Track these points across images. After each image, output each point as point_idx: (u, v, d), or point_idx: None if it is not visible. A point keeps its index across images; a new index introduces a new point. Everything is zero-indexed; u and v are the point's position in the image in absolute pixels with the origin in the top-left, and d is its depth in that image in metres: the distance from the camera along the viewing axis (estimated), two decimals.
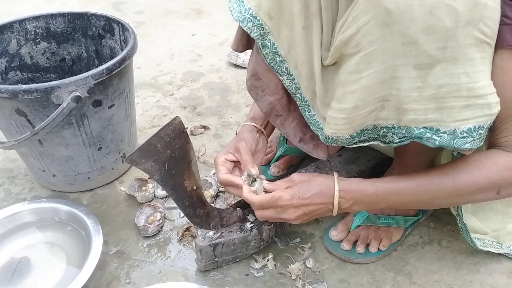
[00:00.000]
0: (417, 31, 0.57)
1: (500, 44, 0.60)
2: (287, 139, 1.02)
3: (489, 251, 0.84)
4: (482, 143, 0.63)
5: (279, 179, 0.98)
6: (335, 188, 0.72)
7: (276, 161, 1.07)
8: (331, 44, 0.69)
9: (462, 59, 0.58)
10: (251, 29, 0.72)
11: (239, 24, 0.74)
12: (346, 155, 1.01)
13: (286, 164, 1.06)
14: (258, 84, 0.80)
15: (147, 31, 1.80)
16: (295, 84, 0.76)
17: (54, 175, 1.00)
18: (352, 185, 0.73)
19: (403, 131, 0.65)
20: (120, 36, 1.06)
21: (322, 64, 0.71)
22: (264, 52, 0.74)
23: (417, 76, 0.59)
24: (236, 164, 0.84)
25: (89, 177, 1.01)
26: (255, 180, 0.79)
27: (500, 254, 0.86)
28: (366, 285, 0.82)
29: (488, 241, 0.85)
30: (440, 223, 0.94)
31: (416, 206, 0.74)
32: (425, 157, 0.83)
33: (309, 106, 0.76)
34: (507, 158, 0.65)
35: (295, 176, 0.76)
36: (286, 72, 0.75)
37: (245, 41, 0.80)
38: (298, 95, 0.76)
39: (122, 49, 0.98)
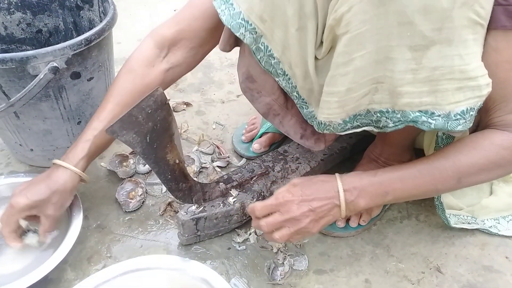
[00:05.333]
0: (413, 11, 0.55)
1: (494, 25, 0.59)
2: None
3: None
4: (471, 124, 0.63)
5: (261, 155, 0.99)
6: (337, 180, 0.70)
7: (259, 138, 1.07)
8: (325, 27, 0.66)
9: (456, 41, 0.57)
10: (244, 35, 0.69)
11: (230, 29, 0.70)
12: None
13: (269, 141, 1.06)
14: (253, 86, 0.78)
15: (128, 6, 1.75)
16: (291, 84, 0.73)
17: (31, 150, 0.97)
18: (354, 176, 0.70)
19: (398, 115, 0.64)
20: (99, 7, 1.02)
21: (318, 58, 0.68)
22: (258, 57, 0.72)
23: (412, 58, 0.58)
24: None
25: None
26: (29, 231, 0.78)
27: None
28: (346, 257, 0.84)
29: (463, 216, 0.88)
30: (418, 199, 0.96)
31: (421, 194, 0.70)
32: (407, 135, 0.84)
33: (306, 103, 0.75)
34: (503, 137, 0.65)
35: (296, 179, 0.73)
36: (282, 73, 0.72)
37: (233, 41, 0.76)
38: (295, 93, 0.74)
39: (101, 21, 0.95)
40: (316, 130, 0.74)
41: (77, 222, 0.82)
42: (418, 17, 0.56)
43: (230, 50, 0.77)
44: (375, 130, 0.69)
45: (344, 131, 0.70)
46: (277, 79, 0.74)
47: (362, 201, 0.69)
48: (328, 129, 0.71)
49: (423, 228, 0.90)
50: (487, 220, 0.88)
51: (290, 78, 0.73)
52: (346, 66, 0.62)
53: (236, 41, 0.75)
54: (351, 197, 0.69)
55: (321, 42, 0.68)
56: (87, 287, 0.73)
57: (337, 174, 0.71)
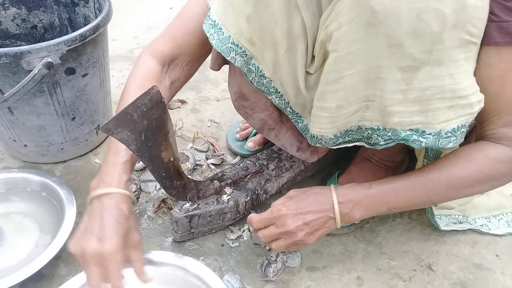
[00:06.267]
0: (403, 34, 0.55)
1: (486, 42, 0.58)
2: None
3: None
4: (463, 140, 0.63)
5: (256, 153, 1.00)
6: (332, 193, 0.71)
7: (253, 136, 1.07)
8: (316, 40, 0.66)
9: (447, 61, 0.57)
10: (235, 58, 0.69)
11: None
12: None
13: (263, 140, 1.07)
14: (246, 104, 0.78)
15: (123, 3, 1.74)
16: (284, 100, 0.74)
17: (25, 145, 0.97)
18: (348, 188, 0.72)
19: (389, 133, 0.64)
20: (94, 4, 1.02)
21: (310, 73, 0.68)
22: (250, 78, 0.72)
23: (402, 79, 0.58)
24: None
25: (62, 148, 0.99)
26: None
27: None
28: (338, 255, 0.85)
29: (454, 215, 0.89)
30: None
31: (415, 205, 0.72)
32: None
33: (301, 117, 0.75)
34: (497, 150, 0.65)
35: (292, 192, 0.75)
36: (274, 91, 0.73)
37: (221, 60, 0.75)
38: (288, 109, 0.75)
39: (96, 18, 0.95)
40: (309, 143, 0.75)
41: (70, 218, 0.82)
42: (407, 40, 0.55)
43: (219, 69, 0.77)
44: (367, 146, 0.69)
45: (336, 145, 0.71)
46: (269, 97, 0.74)
47: (357, 213, 0.70)
48: (320, 142, 0.71)
49: (415, 227, 0.91)
50: (478, 219, 0.89)
51: (282, 95, 0.73)
52: (336, 84, 0.62)
53: (224, 60, 0.75)
54: (346, 210, 0.70)
55: (313, 57, 0.68)
56: (79, 282, 0.73)
57: (332, 186, 0.72)
